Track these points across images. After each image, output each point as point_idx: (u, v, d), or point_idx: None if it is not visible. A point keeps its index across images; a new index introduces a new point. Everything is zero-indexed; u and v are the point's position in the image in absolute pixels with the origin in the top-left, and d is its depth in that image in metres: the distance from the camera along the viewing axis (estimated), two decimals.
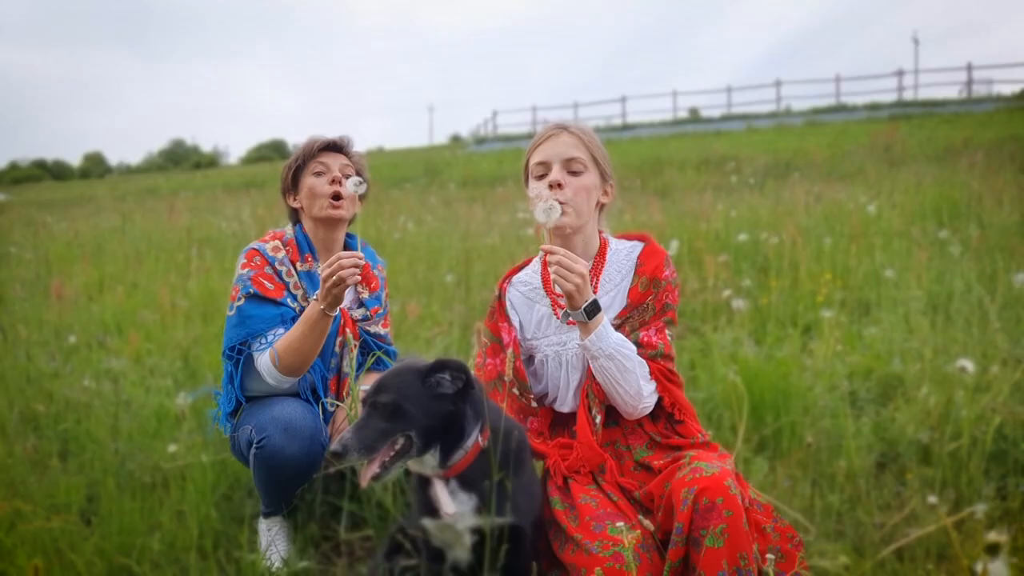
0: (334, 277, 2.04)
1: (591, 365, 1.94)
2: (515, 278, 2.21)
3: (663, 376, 1.99)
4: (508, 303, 2.14)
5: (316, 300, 2.09)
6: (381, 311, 2.49)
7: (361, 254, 2.10)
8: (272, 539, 2.24)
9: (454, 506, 1.65)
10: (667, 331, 2.04)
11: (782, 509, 2.42)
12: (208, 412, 2.55)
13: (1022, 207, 6.46)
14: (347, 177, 2.37)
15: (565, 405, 2.10)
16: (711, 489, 1.66)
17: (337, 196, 2.32)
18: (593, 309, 1.87)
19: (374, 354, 2.39)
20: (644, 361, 1.95)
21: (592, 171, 2.03)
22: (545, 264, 2.15)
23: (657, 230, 6.31)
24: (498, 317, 2.14)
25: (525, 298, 2.13)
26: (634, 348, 1.94)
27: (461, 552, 1.71)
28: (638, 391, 1.92)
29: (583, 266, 1.85)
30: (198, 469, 2.50)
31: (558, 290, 2.09)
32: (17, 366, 3.79)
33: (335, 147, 2.40)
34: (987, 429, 2.58)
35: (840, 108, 25.65)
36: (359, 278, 2.08)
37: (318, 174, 2.34)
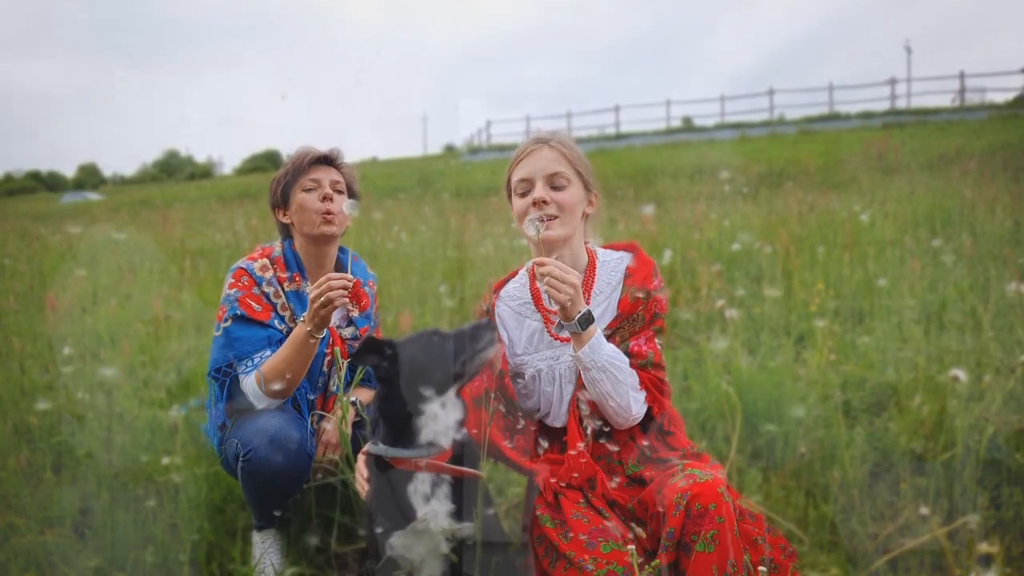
0: (322, 299, 2.03)
1: (583, 377, 1.94)
2: (503, 292, 2.20)
3: (653, 385, 2.00)
4: (498, 319, 2.14)
5: (303, 322, 2.09)
6: (370, 330, 2.48)
7: (351, 276, 2.09)
8: (265, 551, 2.23)
9: (432, 504, 1.64)
10: (656, 340, 2.04)
11: (775, 520, 2.42)
12: (201, 426, 2.55)
13: (1015, 215, 6.48)
14: (338, 192, 2.36)
15: (558, 420, 2.09)
16: (704, 495, 1.67)
17: (329, 212, 2.30)
18: (586, 320, 1.88)
19: (362, 368, 2.39)
20: (634, 372, 1.96)
21: (575, 184, 2.02)
22: (534, 278, 2.15)
23: (650, 239, 6.31)
24: None
25: (515, 313, 2.13)
26: (626, 360, 1.95)
27: (433, 566, 1.70)
28: (628, 403, 1.93)
29: (575, 276, 1.85)
30: (191, 481, 2.49)
31: (550, 306, 2.09)
32: (11, 378, 3.78)
33: (325, 160, 2.38)
34: (980, 439, 2.59)
35: (833, 116, 25.70)
36: (347, 300, 2.08)
37: (309, 190, 2.32)
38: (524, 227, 1.93)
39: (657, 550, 1.75)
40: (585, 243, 2.11)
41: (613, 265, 2.10)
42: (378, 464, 1.68)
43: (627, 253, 2.13)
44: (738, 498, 1.83)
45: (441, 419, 1.63)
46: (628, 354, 1.98)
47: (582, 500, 1.93)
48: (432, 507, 1.63)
